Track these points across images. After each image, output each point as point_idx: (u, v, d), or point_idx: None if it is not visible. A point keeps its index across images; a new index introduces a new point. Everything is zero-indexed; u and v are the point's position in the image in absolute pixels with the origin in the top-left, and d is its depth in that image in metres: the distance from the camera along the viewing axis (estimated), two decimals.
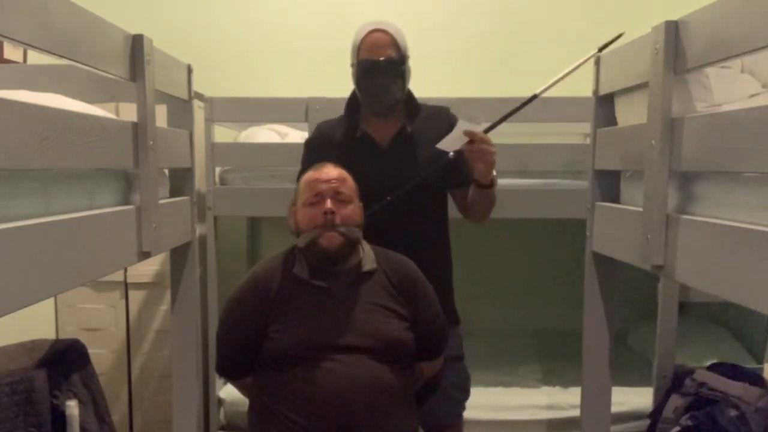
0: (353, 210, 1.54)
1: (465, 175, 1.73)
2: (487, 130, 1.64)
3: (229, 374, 1.65)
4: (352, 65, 1.76)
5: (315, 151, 1.81)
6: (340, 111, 1.87)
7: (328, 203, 1.50)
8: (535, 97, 1.69)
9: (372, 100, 1.75)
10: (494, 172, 1.69)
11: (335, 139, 1.81)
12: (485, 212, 1.81)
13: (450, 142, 1.65)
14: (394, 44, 1.72)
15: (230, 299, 1.58)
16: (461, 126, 1.63)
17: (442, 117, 1.82)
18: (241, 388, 1.65)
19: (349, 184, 1.56)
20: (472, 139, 1.60)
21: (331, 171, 1.56)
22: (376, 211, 1.64)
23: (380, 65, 1.70)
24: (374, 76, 1.71)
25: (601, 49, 1.72)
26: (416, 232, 1.75)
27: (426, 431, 1.82)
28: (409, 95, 1.81)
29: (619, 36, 1.69)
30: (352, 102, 1.82)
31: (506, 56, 3.31)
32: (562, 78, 1.67)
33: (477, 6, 3.33)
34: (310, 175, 1.57)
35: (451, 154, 1.65)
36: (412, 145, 1.77)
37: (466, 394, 1.89)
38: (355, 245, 1.55)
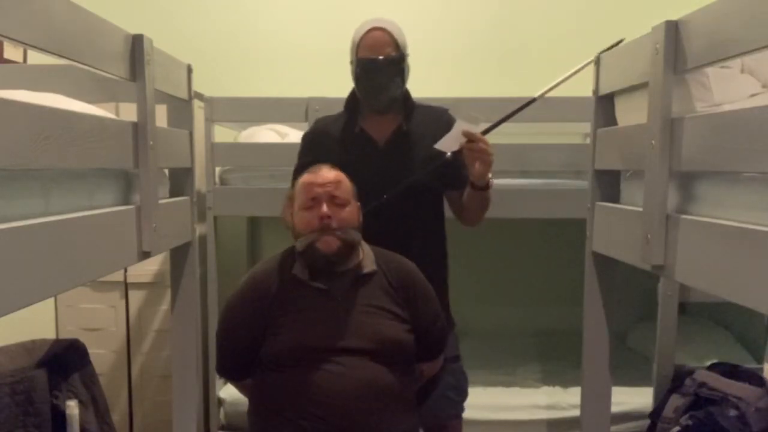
0: (350, 212, 1.53)
1: (461, 177, 1.73)
2: (485, 132, 1.64)
3: (229, 375, 1.65)
4: (352, 62, 1.77)
5: (312, 146, 1.84)
6: (340, 110, 1.87)
7: (324, 208, 1.49)
8: (533, 100, 1.71)
9: (371, 98, 1.76)
10: (490, 175, 1.69)
11: (333, 134, 1.82)
12: (479, 215, 1.81)
13: (448, 141, 1.65)
14: (393, 42, 1.72)
15: (230, 300, 1.58)
16: (459, 126, 1.63)
17: (441, 118, 1.82)
18: (242, 389, 1.65)
19: (345, 187, 1.55)
20: (470, 139, 1.61)
21: (327, 174, 1.54)
22: (371, 209, 1.64)
23: (379, 64, 1.71)
24: (373, 75, 1.72)
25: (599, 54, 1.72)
26: (411, 232, 1.76)
27: (425, 431, 1.82)
28: (406, 94, 1.81)
29: (619, 42, 1.69)
30: (352, 99, 1.83)
31: (504, 56, 3.30)
32: (561, 82, 1.69)
33: (475, 6, 3.33)
34: (305, 178, 1.55)
35: (449, 154, 1.66)
36: (409, 144, 1.77)
37: (463, 395, 1.88)
38: (353, 247, 1.54)
